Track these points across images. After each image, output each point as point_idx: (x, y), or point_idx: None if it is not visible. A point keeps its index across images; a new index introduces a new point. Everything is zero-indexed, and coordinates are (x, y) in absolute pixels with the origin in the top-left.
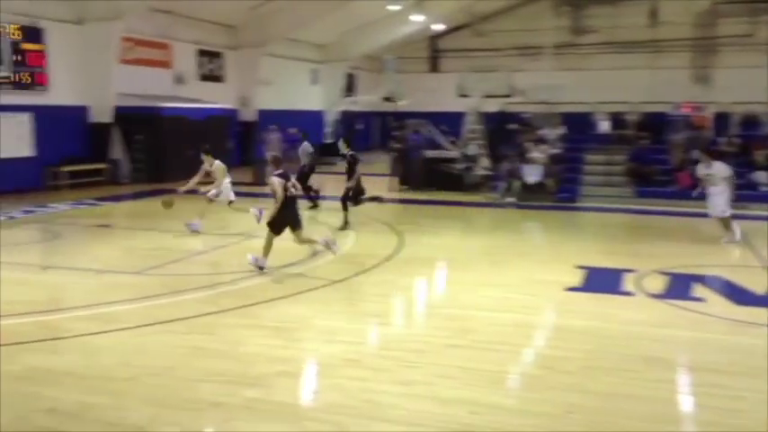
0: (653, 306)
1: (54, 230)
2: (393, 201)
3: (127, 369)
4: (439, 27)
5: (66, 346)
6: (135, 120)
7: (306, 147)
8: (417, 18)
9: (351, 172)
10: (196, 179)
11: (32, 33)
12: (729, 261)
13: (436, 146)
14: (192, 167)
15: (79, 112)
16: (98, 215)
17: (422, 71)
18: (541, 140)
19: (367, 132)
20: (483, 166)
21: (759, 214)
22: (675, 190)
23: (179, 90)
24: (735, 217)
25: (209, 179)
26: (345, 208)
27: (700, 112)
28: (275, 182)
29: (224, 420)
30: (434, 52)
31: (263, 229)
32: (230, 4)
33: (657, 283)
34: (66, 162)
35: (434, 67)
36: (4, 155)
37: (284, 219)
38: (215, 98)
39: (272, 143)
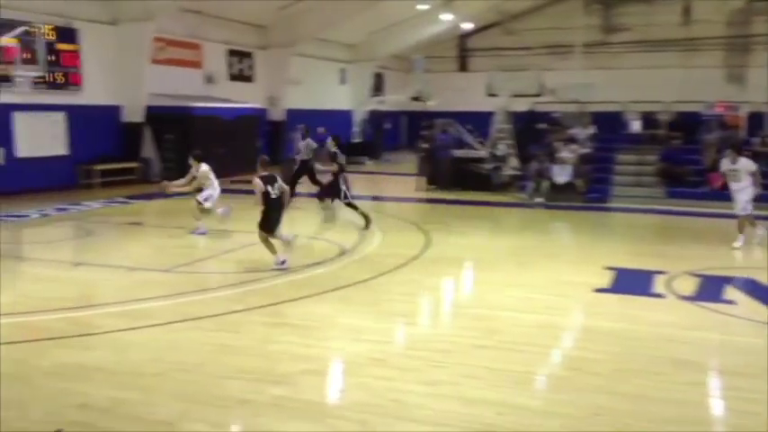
0: (683, 308)
1: (86, 228)
2: (420, 200)
3: (156, 365)
4: (468, 26)
5: (97, 342)
6: (166, 119)
7: (309, 143)
8: (446, 17)
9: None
10: (183, 182)
11: (67, 34)
12: (761, 263)
13: (464, 145)
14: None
15: (112, 111)
16: (129, 213)
17: (450, 70)
18: (571, 140)
19: (395, 132)
20: (511, 165)
21: None
22: (707, 191)
23: (209, 90)
24: (758, 218)
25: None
26: (353, 206)
27: (733, 111)
28: (256, 183)
29: (251, 417)
30: (463, 51)
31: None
32: (260, 4)
33: (688, 285)
34: (98, 161)
35: (463, 66)
36: (40, 153)
37: (270, 219)
38: (244, 98)
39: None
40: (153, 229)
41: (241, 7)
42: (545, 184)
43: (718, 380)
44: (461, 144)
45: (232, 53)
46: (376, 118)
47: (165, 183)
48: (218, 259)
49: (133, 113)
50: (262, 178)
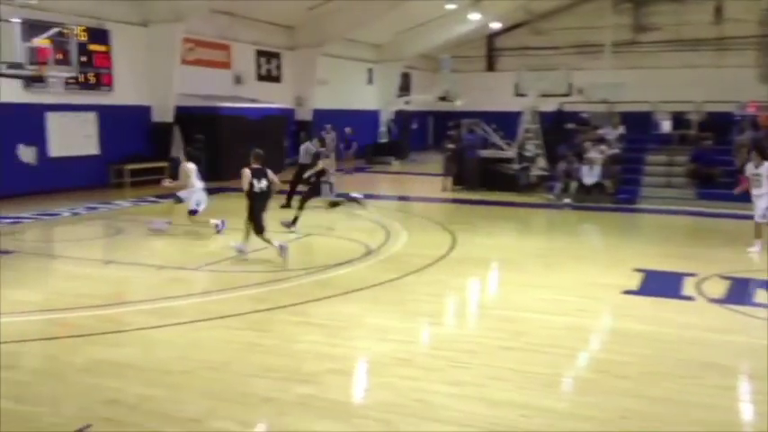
0: (713, 311)
1: (117, 227)
2: (446, 201)
3: (184, 363)
4: (496, 25)
5: (127, 340)
6: (194, 119)
7: (308, 147)
8: (474, 16)
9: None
10: (180, 182)
11: (98, 35)
12: None
13: (491, 145)
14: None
15: (142, 111)
16: (158, 212)
17: (478, 70)
18: (600, 140)
19: (422, 132)
20: (539, 166)
21: None
22: (739, 192)
23: (237, 90)
24: None
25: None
26: (336, 204)
27: (766, 111)
28: (244, 174)
29: (276, 416)
30: (491, 51)
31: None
32: (289, 4)
33: (718, 288)
34: (129, 160)
35: (491, 65)
36: (72, 153)
37: (255, 213)
38: (272, 98)
39: (327, 142)
40: (182, 228)
41: (270, 8)
42: (573, 185)
43: (748, 384)
44: (489, 144)
45: (260, 54)
46: (402, 118)
47: (164, 182)
48: (245, 258)
49: (163, 114)
50: (252, 170)
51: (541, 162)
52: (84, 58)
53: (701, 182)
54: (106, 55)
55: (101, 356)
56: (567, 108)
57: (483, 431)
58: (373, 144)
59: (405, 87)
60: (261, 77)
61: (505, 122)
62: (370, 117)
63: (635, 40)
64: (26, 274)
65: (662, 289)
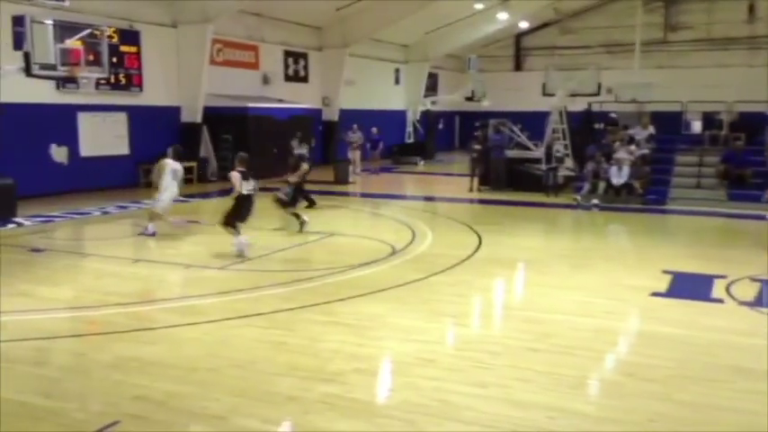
0: (743, 314)
1: (145, 225)
2: (472, 201)
3: (210, 360)
4: (524, 25)
5: (154, 337)
6: (222, 119)
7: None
8: (502, 16)
9: (295, 170)
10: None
11: (129, 36)
12: None
13: (518, 145)
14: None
15: (172, 112)
16: (186, 212)
17: (505, 70)
18: (629, 140)
19: (449, 132)
20: (567, 166)
21: None
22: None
23: (265, 90)
24: None
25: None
26: (285, 206)
27: None
28: (234, 177)
29: (300, 414)
30: (519, 50)
31: (345, 227)
32: (317, 5)
33: (749, 291)
34: (158, 160)
35: (518, 65)
36: (102, 153)
37: (238, 213)
38: (299, 98)
39: (354, 142)
40: (209, 228)
41: (298, 8)
42: (601, 186)
43: None
44: (515, 144)
45: (288, 54)
46: (429, 118)
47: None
48: (270, 258)
49: (192, 114)
50: (240, 173)
51: (569, 162)
52: (114, 59)
53: (731, 183)
54: (136, 56)
55: (128, 353)
56: (596, 108)
57: None
58: (400, 144)
59: (432, 87)
60: (288, 78)
61: (533, 122)
62: (397, 117)
63: (665, 39)
64: (56, 271)
65: (691, 291)
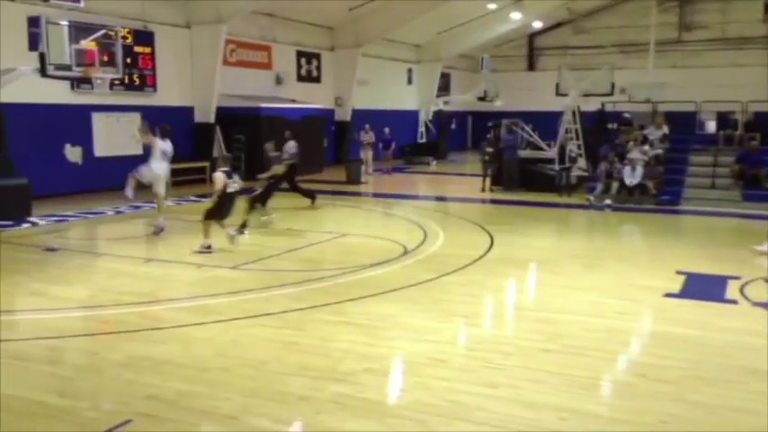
0: (757, 315)
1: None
2: (485, 201)
3: (221, 360)
4: (537, 25)
5: (166, 336)
6: (236, 120)
7: (290, 147)
8: (515, 16)
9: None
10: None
11: (143, 36)
12: None
13: (530, 145)
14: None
15: (185, 112)
16: (199, 211)
17: (518, 70)
18: (643, 140)
19: (461, 132)
20: (579, 166)
21: None
22: None
23: (278, 91)
24: None
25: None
26: (252, 207)
27: None
28: (218, 177)
29: (311, 414)
30: (532, 50)
31: (357, 227)
32: (329, 5)
33: (763, 292)
34: (171, 160)
35: (531, 65)
36: (116, 153)
37: (220, 210)
38: (312, 98)
39: (366, 142)
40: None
41: (310, 9)
42: (614, 186)
43: None
44: (528, 144)
45: (300, 54)
46: (441, 118)
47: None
48: (282, 258)
49: (205, 114)
50: (224, 173)
51: (582, 162)
52: (128, 60)
53: (746, 183)
54: (150, 56)
55: (141, 353)
56: (610, 108)
57: None
58: (412, 144)
59: (444, 87)
60: (301, 78)
61: (546, 122)
62: (410, 117)
63: (680, 38)
64: (70, 271)
65: (704, 292)
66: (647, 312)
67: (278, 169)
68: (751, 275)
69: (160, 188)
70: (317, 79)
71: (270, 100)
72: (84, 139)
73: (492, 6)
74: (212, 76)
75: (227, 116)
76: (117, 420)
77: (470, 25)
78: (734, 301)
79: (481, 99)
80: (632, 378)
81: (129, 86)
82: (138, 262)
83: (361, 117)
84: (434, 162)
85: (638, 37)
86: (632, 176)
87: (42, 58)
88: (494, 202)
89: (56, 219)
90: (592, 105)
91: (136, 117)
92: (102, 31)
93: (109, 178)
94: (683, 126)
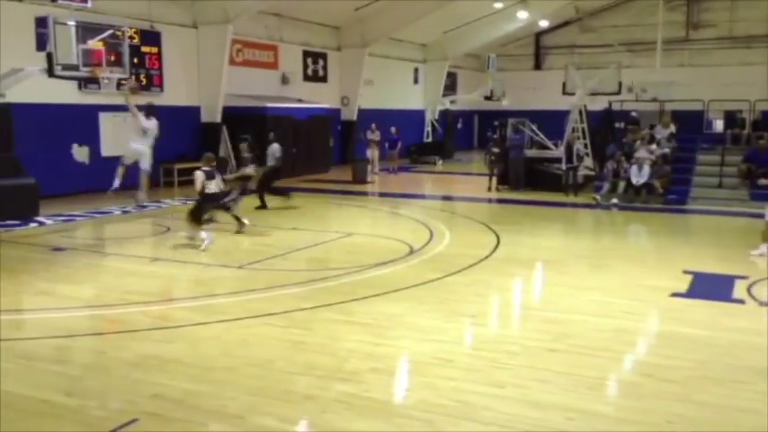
0: (765, 315)
1: (164, 225)
2: (491, 200)
3: (228, 359)
4: (544, 23)
5: (172, 336)
6: (242, 119)
7: (275, 149)
8: (522, 15)
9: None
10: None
11: (150, 37)
12: None
13: (536, 144)
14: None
15: (192, 112)
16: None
17: (525, 69)
18: (650, 139)
19: (468, 132)
20: (586, 165)
21: None
22: None
23: (284, 90)
24: None
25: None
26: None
27: None
28: (196, 176)
29: (317, 413)
30: (538, 49)
31: (363, 227)
32: (335, 5)
33: None
34: (178, 160)
35: (538, 64)
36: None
37: (202, 209)
38: (318, 98)
39: (372, 142)
40: (227, 227)
41: (317, 9)
42: (621, 185)
43: None
44: (534, 143)
45: (307, 54)
46: (448, 117)
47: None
48: (289, 257)
49: (211, 114)
50: (204, 172)
51: (588, 162)
52: (135, 60)
53: (754, 182)
54: (157, 56)
55: (147, 352)
56: (617, 107)
57: None
58: (418, 144)
59: (451, 87)
60: (307, 78)
61: (553, 121)
62: (416, 117)
63: (687, 37)
64: (77, 270)
65: (712, 292)
66: (654, 312)
67: (248, 171)
68: (758, 275)
69: (145, 164)
70: (324, 79)
71: (276, 100)
72: (92, 138)
73: (498, 5)
74: (219, 75)
75: (234, 116)
76: (124, 419)
77: (477, 24)
78: (741, 301)
79: (488, 98)
80: (639, 378)
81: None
82: (145, 261)
83: (368, 116)
84: (441, 161)
85: (646, 35)
86: (639, 176)
87: (50, 58)
88: (500, 201)
89: (63, 218)
90: (599, 104)
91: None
92: (110, 32)
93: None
94: (690, 125)
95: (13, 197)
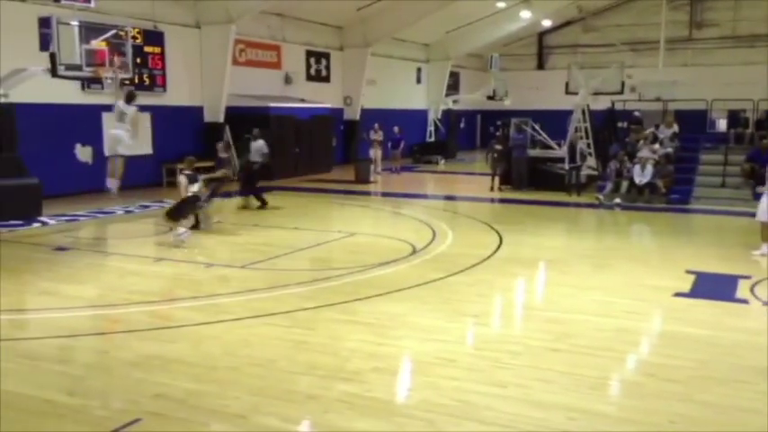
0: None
1: (167, 225)
2: (494, 200)
3: (231, 359)
4: (546, 23)
5: (175, 335)
6: (245, 119)
7: (260, 146)
8: (525, 14)
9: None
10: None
11: (153, 37)
12: None
13: (539, 144)
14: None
15: (195, 112)
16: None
17: (528, 68)
18: (653, 139)
19: (470, 131)
20: (589, 165)
21: None
22: None
23: (287, 90)
24: None
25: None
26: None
27: None
28: (180, 182)
29: (320, 413)
30: (541, 49)
31: (365, 226)
32: (338, 4)
33: None
34: (181, 160)
35: (541, 64)
36: (129, 152)
37: (179, 211)
38: (321, 98)
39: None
40: (230, 227)
41: (319, 8)
42: (624, 185)
43: None
44: (537, 143)
45: (310, 54)
46: (450, 117)
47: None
48: (291, 257)
49: (214, 114)
50: (186, 176)
51: (591, 161)
52: (138, 60)
53: (757, 182)
54: (160, 56)
55: (150, 351)
56: (620, 106)
57: None
58: (421, 143)
59: (453, 86)
60: (310, 77)
61: (556, 121)
62: (419, 116)
63: (690, 36)
64: (80, 270)
65: (715, 292)
66: (657, 312)
67: (219, 174)
68: (762, 275)
69: (121, 149)
70: (327, 79)
71: (279, 99)
72: (95, 138)
73: (501, 5)
74: (222, 75)
75: (237, 116)
76: (126, 419)
77: (479, 24)
78: (744, 301)
79: (490, 98)
80: (641, 378)
81: (139, 86)
82: (148, 261)
83: (371, 116)
84: (443, 161)
85: (649, 35)
86: (642, 175)
87: (53, 58)
88: (502, 201)
89: (66, 218)
90: (602, 104)
91: (146, 117)
92: (113, 32)
93: None
94: (693, 124)
95: (17, 197)
